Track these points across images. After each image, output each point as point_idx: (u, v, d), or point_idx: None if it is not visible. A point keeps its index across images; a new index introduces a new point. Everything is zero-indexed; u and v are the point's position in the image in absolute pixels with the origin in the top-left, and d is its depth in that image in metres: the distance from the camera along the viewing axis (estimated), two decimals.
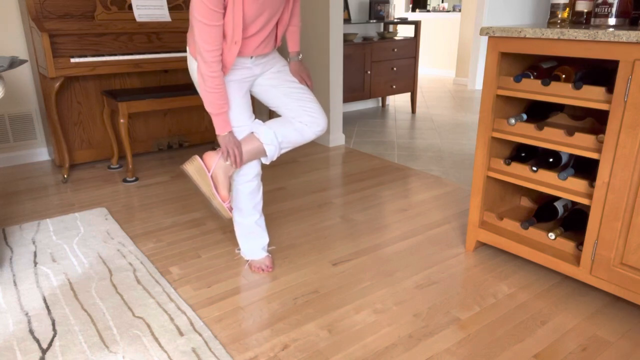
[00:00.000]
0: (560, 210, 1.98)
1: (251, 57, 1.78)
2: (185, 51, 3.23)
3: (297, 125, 1.86)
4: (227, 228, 2.38)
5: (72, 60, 2.81)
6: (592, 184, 1.68)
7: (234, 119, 1.79)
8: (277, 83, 1.87)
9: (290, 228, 2.37)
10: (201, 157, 1.85)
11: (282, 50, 3.74)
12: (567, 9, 1.86)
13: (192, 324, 1.64)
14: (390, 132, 4.17)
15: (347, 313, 1.71)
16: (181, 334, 1.59)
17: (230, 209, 1.90)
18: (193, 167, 1.82)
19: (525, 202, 2.23)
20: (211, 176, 1.84)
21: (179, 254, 2.13)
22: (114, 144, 3.25)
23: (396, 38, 4.62)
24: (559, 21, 1.87)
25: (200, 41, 1.57)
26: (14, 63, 2.01)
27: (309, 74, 1.94)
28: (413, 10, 8.30)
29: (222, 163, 1.82)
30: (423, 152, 3.59)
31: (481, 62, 6.28)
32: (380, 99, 5.31)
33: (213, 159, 1.83)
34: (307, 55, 3.75)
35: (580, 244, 1.80)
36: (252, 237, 1.99)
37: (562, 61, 1.94)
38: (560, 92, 1.69)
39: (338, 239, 2.27)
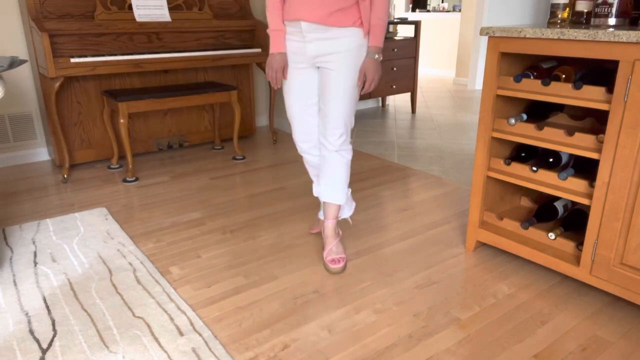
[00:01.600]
0: (560, 210, 1.98)
1: (309, 27, 1.71)
2: (184, 51, 3.23)
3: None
4: (227, 228, 2.38)
5: (72, 60, 2.81)
6: (592, 184, 1.68)
7: (284, 94, 1.92)
8: (329, 79, 1.79)
9: (290, 228, 2.37)
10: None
11: None
12: (567, 9, 1.86)
13: (192, 324, 1.64)
14: (390, 132, 4.17)
15: (347, 313, 1.71)
16: (181, 334, 1.59)
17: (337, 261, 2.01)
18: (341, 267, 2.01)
19: (525, 202, 2.23)
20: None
21: (179, 254, 2.13)
22: (114, 144, 3.26)
23: (396, 38, 4.62)
24: (559, 21, 1.87)
25: None
26: (14, 63, 2.01)
27: (374, 78, 1.78)
28: (413, 10, 8.30)
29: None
30: (423, 152, 3.59)
31: (481, 62, 6.28)
32: (380, 99, 5.31)
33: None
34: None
35: (580, 244, 1.80)
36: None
37: (562, 61, 1.94)
38: (560, 92, 1.69)
39: None
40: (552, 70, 1.87)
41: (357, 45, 1.76)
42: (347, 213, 2.17)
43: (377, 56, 1.78)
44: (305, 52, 1.79)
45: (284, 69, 1.86)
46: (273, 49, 1.82)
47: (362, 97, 4.52)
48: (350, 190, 2.12)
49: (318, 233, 2.30)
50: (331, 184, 1.97)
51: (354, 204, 2.20)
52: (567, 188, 1.75)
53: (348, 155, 1.95)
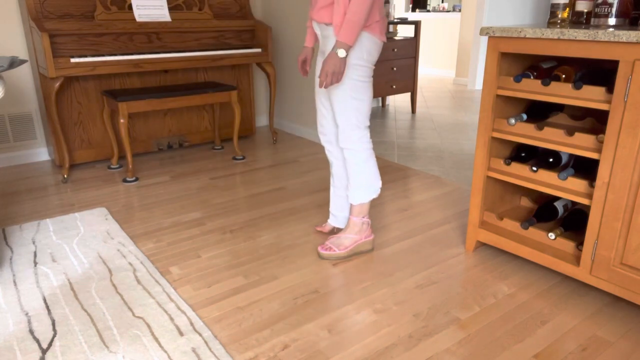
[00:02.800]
0: (560, 210, 1.98)
1: (314, 24, 1.91)
2: (184, 51, 3.23)
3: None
4: (227, 228, 2.38)
5: (72, 60, 2.81)
6: (592, 184, 1.68)
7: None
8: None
9: (290, 228, 2.37)
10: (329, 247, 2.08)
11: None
12: (567, 9, 1.86)
13: (192, 324, 1.64)
14: (390, 132, 4.17)
15: (347, 313, 1.71)
16: (181, 334, 1.59)
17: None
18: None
19: (525, 202, 2.23)
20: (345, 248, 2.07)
21: (179, 254, 2.13)
22: (114, 144, 3.25)
23: (396, 38, 4.62)
24: (559, 21, 1.87)
25: None
26: (14, 63, 2.01)
27: (326, 70, 1.72)
28: (413, 10, 8.30)
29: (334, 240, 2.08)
30: (423, 152, 3.59)
31: (481, 62, 6.28)
32: (380, 99, 5.31)
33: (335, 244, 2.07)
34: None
35: (580, 244, 1.80)
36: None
37: (562, 61, 1.94)
38: (560, 92, 1.69)
39: None
40: (552, 70, 1.87)
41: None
42: (353, 197, 2.04)
43: (339, 51, 1.70)
44: (320, 49, 1.97)
45: (305, 61, 2.08)
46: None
47: None
48: (371, 192, 2.04)
49: (322, 233, 2.30)
50: (349, 181, 2.02)
51: (367, 194, 2.05)
52: (567, 188, 1.75)
53: (352, 154, 1.95)
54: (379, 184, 2.03)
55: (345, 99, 1.85)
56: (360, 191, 2.00)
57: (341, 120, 1.89)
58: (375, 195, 2.03)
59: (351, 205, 2.06)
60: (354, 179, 1.99)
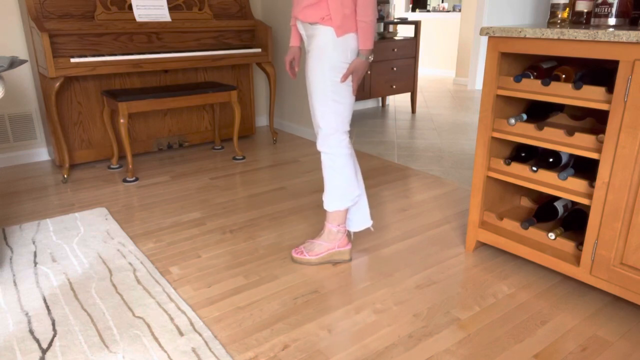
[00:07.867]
0: (560, 210, 1.98)
1: (299, 24, 1.89)
2: (184, 51, 3.23)
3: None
4: (227, 228, 2.38)
5: (72, 60, 2.81)
6: (592, 184, 1.68)
7: None
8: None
9: (291, 228, 2.37)
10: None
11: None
12: (567, 9, 1.86)
13: (192, 324, 1.64)
14: (390, 132, 4.17)
15: (347, 313, 1.71)
16: (181, 334, 1.59)
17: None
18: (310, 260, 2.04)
19: (525, 202, 2.23)
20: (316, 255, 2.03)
21: (179, 254, 2.13)
22: (114, 144, 3.25)
23: (396, 38, 4.62)
24: (559, 21, 1.87)
25: None
26: (14, 63, 2.00)
27: (359, 77, 1.83)
28: (413, 10, 8.30)
29: (308, 245, 2.05)
30: (423, 152, 3.59)
31: (481, 62, 6.28)
32: (380, 99, 5.31)
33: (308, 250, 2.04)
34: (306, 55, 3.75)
35: (580, 244, 1.80)
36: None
37: (562, 61, 1.94)
38: (560, 92, 1.69)
39: None
40: (552, 70, 1.87)
41: (324, 44, 1.77)
42: (352, 226, 2.12)
43: (365, 58, 1.80)
44: (306, 47, 1.94)
45: (293, 61, 2.03)
46: (290, 42, 2.05)
47: (363, 97, 4.52)
48: (360, 206, 2.08)
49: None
50: (324, 187, 1.99)
51: (367, 223, 2.12)
52: (567, 188, 1.75)
53: (330, 158, 1.91)
54: (357, 192, 1.98)
55: (327, 101, 1.83)
56: (335, 198, 1.95)
57: (321, 123, 1.86)
58: (351, 204, 1.98)
59: (326, 212, 2.02)
60: (330, 184, 1.94)
